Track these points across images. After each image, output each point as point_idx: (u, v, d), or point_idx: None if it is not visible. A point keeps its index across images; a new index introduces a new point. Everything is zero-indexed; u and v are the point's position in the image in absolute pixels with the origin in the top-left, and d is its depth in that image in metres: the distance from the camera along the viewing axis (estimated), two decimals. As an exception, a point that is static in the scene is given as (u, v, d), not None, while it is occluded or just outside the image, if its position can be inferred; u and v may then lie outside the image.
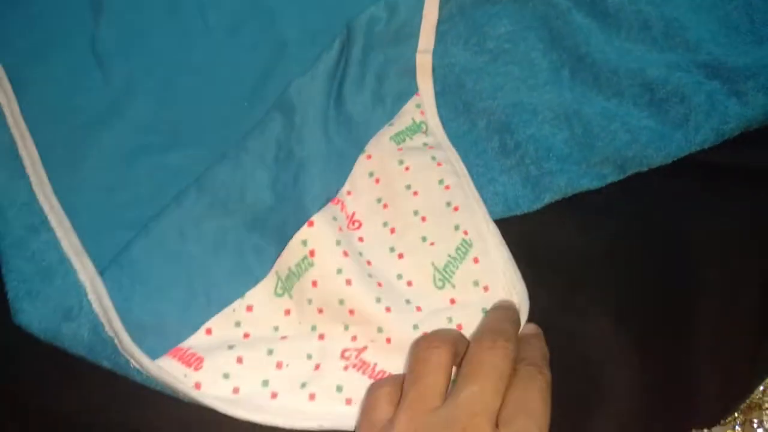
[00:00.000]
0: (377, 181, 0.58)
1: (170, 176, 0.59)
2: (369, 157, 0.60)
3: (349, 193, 0.58)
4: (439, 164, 0.59)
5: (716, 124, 0.60)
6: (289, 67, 0.65)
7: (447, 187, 0.57)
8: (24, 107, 0.61)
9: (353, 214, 0.57)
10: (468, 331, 0.52)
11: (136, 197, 0.58)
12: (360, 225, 0.57)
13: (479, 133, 0.63)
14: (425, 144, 0.61)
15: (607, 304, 0.55)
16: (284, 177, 0.58)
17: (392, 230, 0.57)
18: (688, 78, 0.62)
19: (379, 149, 0.60)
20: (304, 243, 0.53)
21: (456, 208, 0.57)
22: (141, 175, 0.59)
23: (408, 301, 0.54)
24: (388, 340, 0.52)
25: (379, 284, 0.54)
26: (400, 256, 0.56)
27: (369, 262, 0.55)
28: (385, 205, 0.57)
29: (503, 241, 0.56)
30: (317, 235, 0.53)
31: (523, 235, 0.57)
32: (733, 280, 0.56)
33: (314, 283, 0.53)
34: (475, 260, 0.55)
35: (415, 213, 0.57)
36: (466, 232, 0.56)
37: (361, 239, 0.56)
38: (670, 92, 0.62)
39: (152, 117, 0.63)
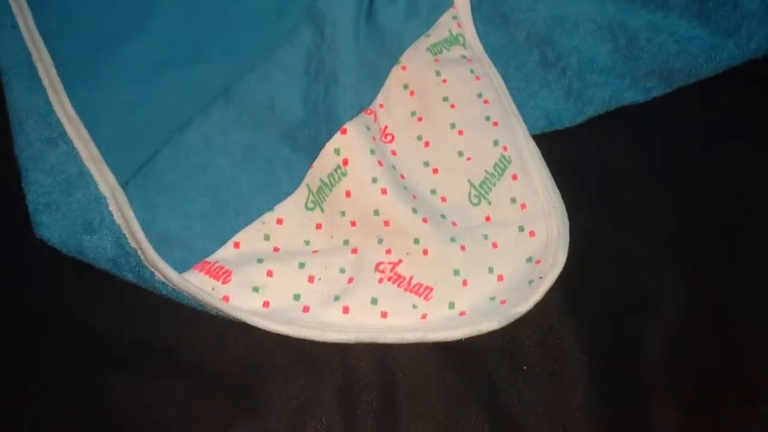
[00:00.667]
0: (412, 93, 0.55)
1: (195, 91, 0.56)
2: (404, 68, 0.56)
3: (381, 105, 0.54)
4: (477, 78, 0.55)
5: (764, 30, 0.55)
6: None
7: (486, 102, 0.54)
8: (42, 18, 0.58)
9: (386, 127, 0.54)
10: (503, 250, 0.49)
11: (159, 112, 0.55)
12: (393, 138, 0.53)
13: (518, 46, 0.59)
14: (463, 56, 0.57)
15: (656, 229, 0.52)
16: (315, 88, 0.55)
17: (426, 143, 0.53)
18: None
19: (415, 60, 0.56)
20: (337, 151, 0.50)
21: (495, 123, 0.53)
22: (165, 90, 0.56)
23: (443, 216, 0.50)
24: (425, 252, 0.49)
25: (414, 197, 0.50)
26: (435, 170, 0.52)
27: (402, 176, 0.52)
28: (419, 119, 0.54)
29: (543, 159, 0.52)
30: (351, 142, 0.50)
31: (568, 150, 0.54)
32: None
33: (348, 194, 0.50)
34: (514, 177, 0.51)
35: (452, 126, 0.53)
36: (505, 148, 0.52)
37: (394, 153, 0.53)
38: (721, 1, 0.57)
39: (177, 31, 0.59)
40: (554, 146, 0.54)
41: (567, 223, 0.50)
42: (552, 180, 0.52)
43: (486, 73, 0.55)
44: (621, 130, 0.55)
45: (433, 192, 0.51)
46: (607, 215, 0.53)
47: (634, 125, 0.55)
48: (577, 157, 0.54)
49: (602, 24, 0.58)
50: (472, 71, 0.55)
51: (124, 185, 0.50)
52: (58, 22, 0.58)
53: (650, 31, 0.57)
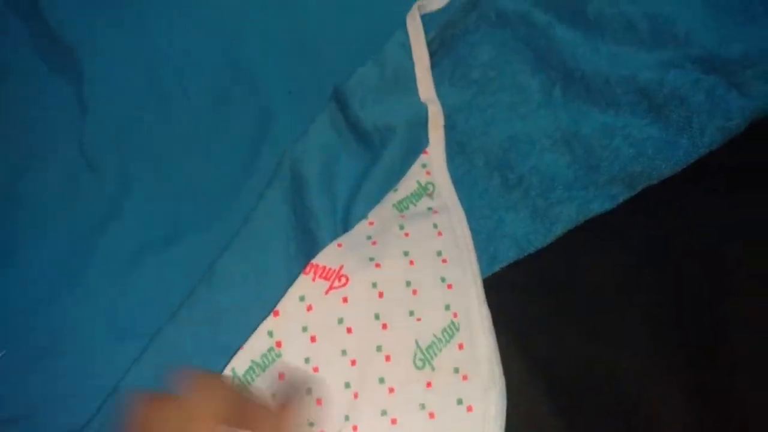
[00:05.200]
0: (374, 243, 0.51)
1: (177, 273, 0.53)
2: (371, 223, 0.53)
3: (339, 245, 0.51)
4: (440, 233, 0.52)
5: (720, 122, 0.52)
6: (279, 135, 0.58)
7: (444, 261, 0.50)
8: (21, 224, 0.55)
9: (341, 267, 0.50)
10: (439, 424, 0.46)
11: (144, 301, 0.52)
12: (347, 281, 0.50)
13: (478, 172, 0.56)
14: (429, 208, 0.53)
15: (642, 335, 0.48)
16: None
17: (380, 294, 0.49)
18: (684, 76, 0.55)
19: (381, 216, 0.53)
20: (270, 333, 0.47)
21: (450, 286, 0.50)
22: (147, 277, 0.54)
23: (382, 380, 0.47)
24: (355, 429, 0.45)
25: (353, 362, 0.47)
26: (384, 326, 0.49)
27: (349, 329, 0.48)
28: (377, 265, 0.50)
29: (492, 329, 0.49)
30: (283, 324, 0.48)
31: (542, 272, 0.50)
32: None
33: (281, 376, 0.46)
34: (460, 346, 0.48)
35: (408, 284, 0.50)
36: (455, 315, 0.49)
37: (345, 300, 0.49)
38: (668, 95, 0.54)
39: (151, 210, 0.58)
40: (527, 267, 0.50)
41: (505, 401, 0.46)
42: (497, 353, 0.48)
43: (450, 226, 0.52)
44: (588, 241, 0.51)
45: (379, 349, 0.48)
46: (593, 327, 0.49)
47: (603, 233, 0.51)
48: (549, 274, 0.50)
49: (556, 137, 0.55)
50: (435, 226, 0.52)
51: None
52: (36, 223, 0.56)
53: (605, 137, 0.54)
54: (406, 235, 0.51)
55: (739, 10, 0.58)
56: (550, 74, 0.59)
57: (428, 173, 0.55)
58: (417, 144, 0.57)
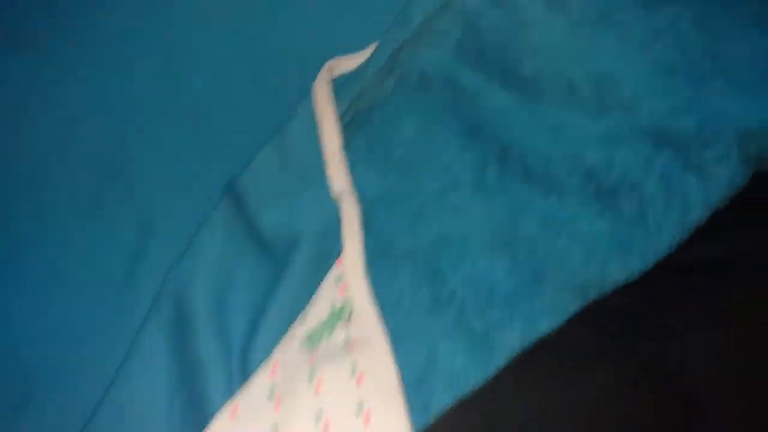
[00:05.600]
0: (278, 402, 0.42)
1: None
2: (274, 370, 0.43)
3: (233, 413, 0.42)
4: (359, 379, 0.42)
5: (678, 215, 0.44)
6: (159, 251, 0.48)
7: (367, 419, 0.41)
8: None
9: None
10: None
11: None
12: None
13: (404, 283, 0.47)
14: (346, 342, 0.44)
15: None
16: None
17: None
18: (634, 154, 0.47)
19: (287, 359, 0.43)
20: None
21: None
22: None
23: None
24: None
25: None
26: None
27: None
28: None
29: None
30: None
31: (486, 419, 0.42)
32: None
33: None
34: None
35: None
36: None
37: None
38: (618, 179, 0.46)
39: None
40: (468, 411, 0.42)
41: None
42: None
43: (373, 368, 0.42)
44: (540, 370, 0.43)
45: None
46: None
47: (556, 359, 0.43)
48: (494, 421, 0.42)
49: (494, 233, 0.46)
50: (354, 369, 0.42)
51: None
52: None
53: (549, 233, 0.46)
54: (318, 388, 0.42)
55: (685, 70, 0.49)
56: (483, 150, 0.50)
57: (343, 290, 0.46)
58: (329, 252, 0.47)
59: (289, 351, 0.43)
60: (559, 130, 0.49)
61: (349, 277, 0.46)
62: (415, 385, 0.43)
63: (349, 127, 0.52)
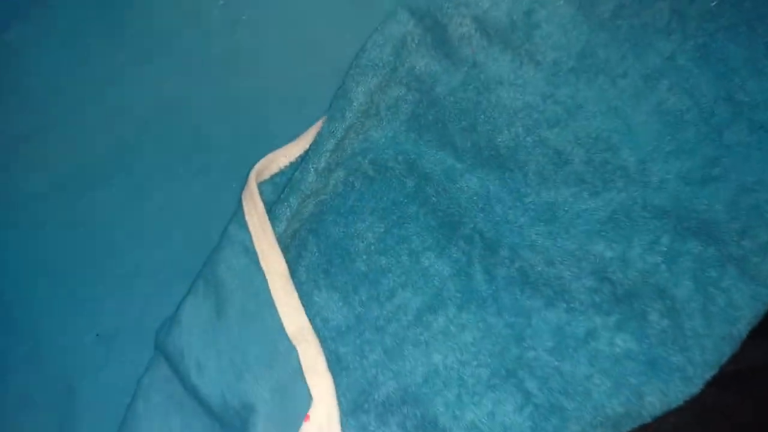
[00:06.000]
0: None
1: None
2: None
3: None
4: None
5: (723, 327, 0.35)
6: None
7: None
8: None
9: None
10: None
11: None
12: None
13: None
14: None
15: None
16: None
17: None
18: (652, 246, 0.37)
19: None
20: None
21: None
22: None
23: None
24: None
25: None
26: None
27: None
28: None
29: None
30: None
31: None
32: None
33: None
34: None
35: None
36: None
37: None
38: (637, 280, 0.37)
39: None
40: None
41: None
42: None
43: None
44: None
45: None
46: None
47: None
48: None
49: (493, 356, 0.38)
50: None
51: None
52: None
53: (563, 355, 0.37)
54: None
55: (699, 120, 0.40)
56: (466, 251, 0.41)
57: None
58: (293, 416, 0.38)
59: None
60: (553, 215, 0.40)
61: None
62: None
63: (297, 236, 0.43)
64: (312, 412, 0.37)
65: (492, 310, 0.39)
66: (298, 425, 0.37)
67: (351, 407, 0.38)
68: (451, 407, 0.37)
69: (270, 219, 0.42)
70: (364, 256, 0.42)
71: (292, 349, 0.39)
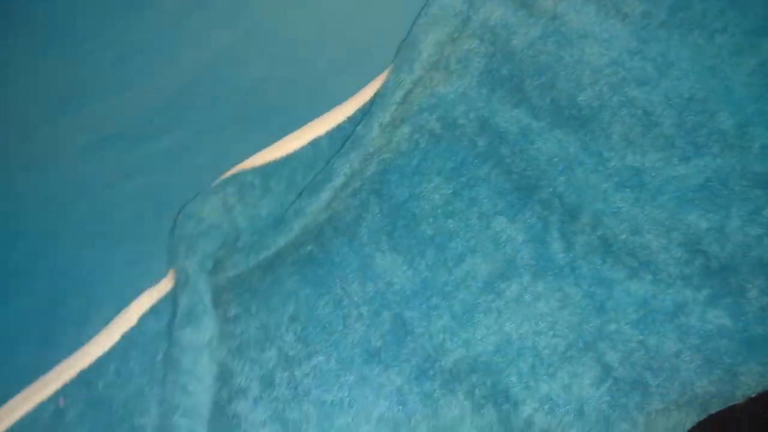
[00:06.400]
0: None
1: None
2: None
3: None
4: None
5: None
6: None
7: None
8: None
9: None
10: None
11: None
12: None
13: (459, 408, 0.36)
14: None
15: None
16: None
17: None
18: (754, 217, 0.34)
19: None
20: None
21: None
22: None
23: None
24: None
25: None
26: None
27: None
28: None
29: None
30: None
31: None
32: None
33: None
34: None
35: None
36: None
37: None
38: (735, 253, 0.34)
39: None
40: None
41: None
42: None
43: None
44: None
45: None
46: None
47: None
48: None
49: (570, 328, 0.35)
50: None
51: None
52: None
53: (649, 330, 0.34)
54: None
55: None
56: (542, 216, 0.38)
57: None
58: None
59: None
60: (640, 181, 0.37)
61: None
62: None
63: (358, 196, 0.41)
64: None
65: (569, 280, 0.37)
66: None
67: (415, 373, 0.36)
68: (524, 378, 0.35)
69: (327, 172, 0.40)
70: (431, 219, 0.39)
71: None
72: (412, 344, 0.37)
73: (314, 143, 0.42)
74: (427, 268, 0.38)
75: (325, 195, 0.40)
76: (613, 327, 0.35)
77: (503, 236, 0.38)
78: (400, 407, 0.36)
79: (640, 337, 0.34)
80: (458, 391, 0.36)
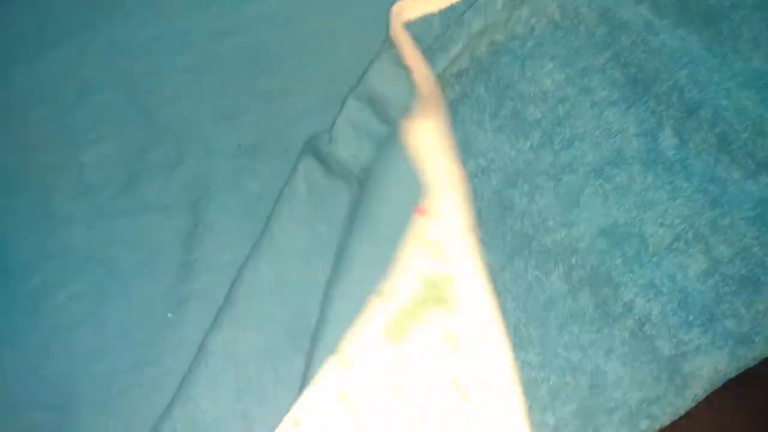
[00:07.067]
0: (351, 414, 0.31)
1: None
2: (346, 366, 0.31)
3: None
4: (466, 397, 0.31)
5: None
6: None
7: None
8: None
9: None
10: None
11: None
12: None
13: (554, 286, 0.34)
14: (447, 336, 0.32)
15: None
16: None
17: None
18: None
19: (361, 350, 0.31)
20: None
21: None
22: None
23: None
24: None
25: None
26: None
27: None
28: None
29: None
30: None
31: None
32: None
33: None
34: None
35: None
36: None
37: None
38: None
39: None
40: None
41: None
42: None
43: (486, 380, 0.31)
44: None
45: None
46: None
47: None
48: None
49: (680, 219, 0.34)
50: (458, 384, 0.31)
51: None
52: None
53: (765, 228, 0.33)
54: (407, 403, 0.30)
55: None
56: (657, 110, 0.37)
57: (436, 252, 0.33)
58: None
59: (363, 342, 0.32)
60: (766, 84, 0.36)
61: (446, 239, 0.34)
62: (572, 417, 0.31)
63: (465, 75, 0.39)
64: (435, 209, 0.34)
65: (681, 176, 0.35)
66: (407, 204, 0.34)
67: (510, 252, 0.35)
68: (629, 263, 0.34)
69: (440, 49, 0.39)
70: (540, 103, 0.38)
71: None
72: (510, 221, 0.36)
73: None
74: (531, 149, 0.37)
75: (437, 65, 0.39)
76: (726, 221, 0.34)
77: (614, 126, 0.37)
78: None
79: (756, 233, 0.33)
80: (553, 272, 0.35)
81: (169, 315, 0.36)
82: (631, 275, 0.33)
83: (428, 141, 0.36)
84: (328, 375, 0.31)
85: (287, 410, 0.33)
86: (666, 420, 0.31)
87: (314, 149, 0.37)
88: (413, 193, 0.36)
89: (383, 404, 0.31)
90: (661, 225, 0.34)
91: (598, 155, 0.36)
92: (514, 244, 0.35)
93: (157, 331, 0.36)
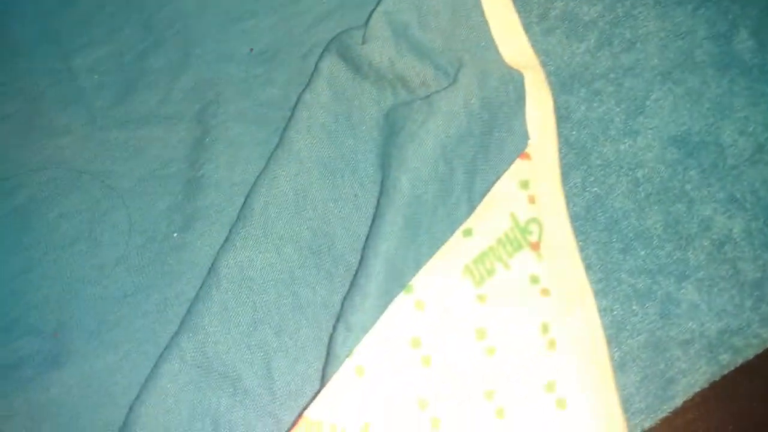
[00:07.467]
0: (427, 367, 0.27)
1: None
2: (420, 305, 0.27)
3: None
4: (552, 343, 0.26)
5: None
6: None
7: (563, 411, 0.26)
8: None
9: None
10: None
11: None
12: None
13: (616, 204, 0.30)
14: (535, 280, 0.28)
15: None
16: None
17: None
18: None
19: (438, 293, 0.27)
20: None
21: None
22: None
23: None
24: None
25: None
26: None
27: None
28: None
29: None
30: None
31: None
32: None
33: None
34: None
35: None
36: None
37: None
38: None
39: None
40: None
41: None
42: None
43: (575, 329, 0.27)
44: None
45: None
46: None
47: None
48: None
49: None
50: (545, 328, 0.27)
51: None
52: None
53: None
54: (490, 355, 0.26)
55: None
56: (729, 8, 0.32)
57: (532, 199, 0.29)
58: (499, 139, 0.30)
59: (448, 279, 0.27)
60: None
61: (539, 182, 0.29)
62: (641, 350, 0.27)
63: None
64: (530, 149, 0.30)
65: (761, 81, 0.31)
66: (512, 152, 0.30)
67: (564, 167, 0.31)
68: (705, 174, 0.29)
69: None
70: (596, 1, 0.33)
71: (507, 73, 0.31)
72: (565, 131, 0.31)
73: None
74: (587, 52, 0.32)
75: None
76: None
77: (682, 28, 0.32)
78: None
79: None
80: (617, 186, 0.30)
81: (175, 235, 0.32)
82: (708, 189, 0.29)
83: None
84: (398, 316, 0.27)
85: (310, 342, 0.28)
86: (750, 353, 0.27)
87: (342, 48, 0.32)
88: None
89: (463, 351, 0.26)
90: (741, 133, 0.30)
91: (664, 58, 0.32)
92: (570, 158, 0.31)
93: (161, 253, 0.31)
